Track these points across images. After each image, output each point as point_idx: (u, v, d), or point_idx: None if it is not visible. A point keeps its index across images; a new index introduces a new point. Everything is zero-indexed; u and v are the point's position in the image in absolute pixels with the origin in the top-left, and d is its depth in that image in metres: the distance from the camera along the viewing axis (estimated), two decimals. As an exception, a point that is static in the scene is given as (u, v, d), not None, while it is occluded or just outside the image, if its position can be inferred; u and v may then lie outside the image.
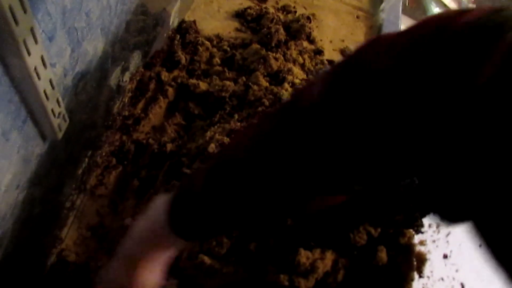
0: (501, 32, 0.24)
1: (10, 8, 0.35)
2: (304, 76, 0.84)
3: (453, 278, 0.54)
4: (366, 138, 0.30)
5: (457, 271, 0.54)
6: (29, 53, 0.40)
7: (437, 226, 0.53)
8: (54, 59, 0.49)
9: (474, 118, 0.25)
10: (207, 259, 0.51)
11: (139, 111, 0.72)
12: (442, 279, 0.48)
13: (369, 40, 0.32)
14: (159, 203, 0.43)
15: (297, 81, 0.79)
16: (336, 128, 0.31)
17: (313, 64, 0.88)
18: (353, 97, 0.30)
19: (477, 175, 0.26)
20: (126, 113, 0.70)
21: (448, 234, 0.58)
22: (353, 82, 0.31)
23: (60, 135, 0.54)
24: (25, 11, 0.37)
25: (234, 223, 0.42)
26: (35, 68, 0.42)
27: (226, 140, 0.62)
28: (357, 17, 1.08)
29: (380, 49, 0.30)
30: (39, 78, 0.44)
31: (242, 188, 0.38)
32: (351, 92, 0.31)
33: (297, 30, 0.91)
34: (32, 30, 0.39)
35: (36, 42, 0.41)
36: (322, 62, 0.89)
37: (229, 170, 0.38)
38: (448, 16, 0.27)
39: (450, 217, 0.30)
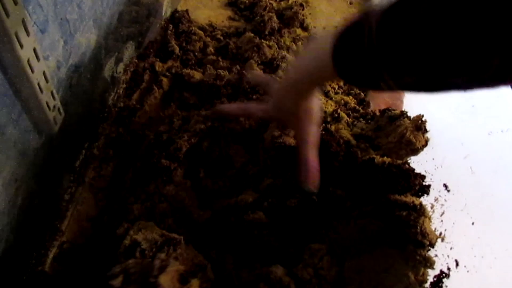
0: None
1: (0, 0, 0.35)
2: (299, 63, 0.84)
3: (448, 256, 0.55)
4: None
5: (451, 248, 0.55)
6: (21, 46, 0.40)
7: (432, 207, 0.54)
8: (47, 51, 0.49)
9: None
10: None
11: (134, 102, 0.72)
12: (437, 256, 0.49)
13: None
14: (324, 41, 0.43)
15: (291, 68, 0.79)
16: None
17: (307, 51, 0.88)
18: None
19: None
20: (121, 104, 0.70)
21: (442, 214, 0.59)
22: None
23: (56, 128, 0.54)
24: (15, 3, 0.37)
25: (400, 70, 0.36)
26: (28, 61, 0.42)
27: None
28: (350, 3, 1.08)
29: None
30: (32, 71, 0.44)
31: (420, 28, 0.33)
32: None
33: (290, 17, 0.91)
34: (23, 22, 0.39)
35: (28, 34, 0.41)
36: (316, 48, 0.89)
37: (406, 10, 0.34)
38: None
39: None
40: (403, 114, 0.65)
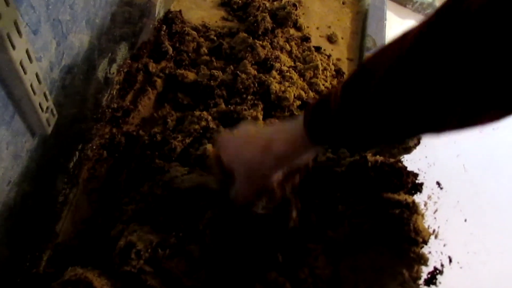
0: None
1: (-8, 1, 0.35)
2: (292, 63, 0.84)
3: (441, 253, 0.56)
4: None
5: (444, 245, 0.56)
6: (13, 47, 0.40)
7: (425, 204, 0.55)
8: (40, 52, 0.49)
9: None
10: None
11: (128, 103, 0.72)
12: (430, 253, 0.50)
13: None
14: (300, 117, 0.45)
15: (284, 68, 0.80)
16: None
17: (300, 51, 0.88)
18: None
19: None
20: (115, 105, 0.70)
21: (435, 211, 0.60)
22: None
23: (49, 129, 0.54)
24: (7, 4, 0.37)
25: (379, 135, 0.41)
26: (21, 62, 0.42)
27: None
28: (343, 3, 1.08)
29: None
30: (25, 72, 0.43)
31: (380, 100, 0.36)
32: None
33: (283, 17, 0.91)
34: (15, 23, 0.39)
35: (20, 35, 0.41)
36: (309, 48, 0.89)
37: (367, 84, 0.37)
38: None
39: None
40: (396, 113, 0.66)
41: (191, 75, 0.76)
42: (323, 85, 0.81)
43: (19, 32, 0.40)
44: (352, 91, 0.39)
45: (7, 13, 0.37)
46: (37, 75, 0.46)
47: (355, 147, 0.53)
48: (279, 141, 0.46)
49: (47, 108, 0.51)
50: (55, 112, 0.54)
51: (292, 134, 0.45)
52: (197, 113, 0.69)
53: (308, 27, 0.97)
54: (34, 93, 0.46)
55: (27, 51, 0.43)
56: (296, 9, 0.94)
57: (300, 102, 0.75)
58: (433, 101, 0.33)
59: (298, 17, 0.94)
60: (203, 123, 0.66)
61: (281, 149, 0.46)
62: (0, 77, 0.42)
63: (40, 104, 0.49)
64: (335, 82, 0.84)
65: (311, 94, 0.77)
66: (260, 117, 0.69)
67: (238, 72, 0.76)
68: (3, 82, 0.42)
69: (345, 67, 0.91)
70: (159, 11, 0.84)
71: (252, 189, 0.51)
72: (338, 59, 0.93)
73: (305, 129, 0.44)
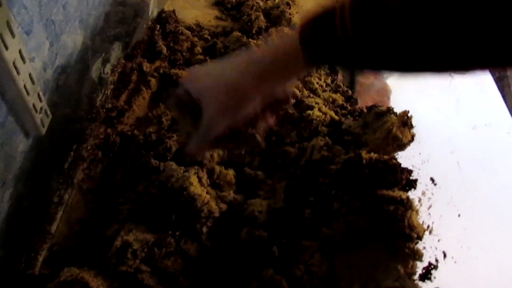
0: None
1: (-16, 2, 0.35)
2: (286, 62, 0.84)
3: (436, 248, 0.57)
4: None
5: (439, 241, 0.57)
6: (6, 47, 0.40)
7: (419, 200, 0.55)
8: (33, 53, 0.49)
9: None
10: None
11: (123, 103, 0.72)
12: (425, 248, 0.50)
13: None
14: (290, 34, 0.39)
15: (279, 66, 0.80)
16: None
17: (295, 49, 0.89)
18: None
19: None
20: (109, 105, 0.69)
21: (429, 207, 0.60)
22: None
23: (43, 130, 0.54)
24: (0, 4, 0.37)
25: (390, 62, 0.35)
26: (14, 63, 0.42)
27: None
28: (337, 1, 1.09)
29: None
30: (18, 73, 0.43)
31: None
32: None
33: (277, 16, 0.91)
34: (8, 23, 0.39)
35: (13, 36, 0.40)
36: (303, 47, 0.89)
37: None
38: None
39: None
40: (390, 110, 0.66)
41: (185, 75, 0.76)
42: (317, 83, 0.81)
43: (11, 32, 0.40)
44: (366, 11, 0.33)
45: (-1, 13, 0.37)
46: (30, 76, 0.46)
47: (359, 69, 0.46)
48: (264, 57, 0.39)
49: (41, 108, 0.51)
50: (49, 112, 0.54)
51: (281, 50, 0.39)
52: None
53: (302, 25, 0.97)
54: (28, 93, 0.46)
55: (20, 52, 0.43)
56: (289, 8, 0.94)
57: (294, 100, 0.75)
58: (462, 32, 0.29)
59: (292, 16, 0.95)
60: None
61: (265, 64, 0.39)
62: (-7, 78, 0.42)
63: (33, 105, 0.49)
64: (329, 80, 0.85)
65: (306, 92, 0.77)
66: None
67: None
68: (-4, 82, 0.42)
69: (339, 65, 0.91)
70: (152, 10, 0.84)
71: (225, 120, 0.42)
72: (332, 58, 0.93)
73: (301, 46, 0.37)
